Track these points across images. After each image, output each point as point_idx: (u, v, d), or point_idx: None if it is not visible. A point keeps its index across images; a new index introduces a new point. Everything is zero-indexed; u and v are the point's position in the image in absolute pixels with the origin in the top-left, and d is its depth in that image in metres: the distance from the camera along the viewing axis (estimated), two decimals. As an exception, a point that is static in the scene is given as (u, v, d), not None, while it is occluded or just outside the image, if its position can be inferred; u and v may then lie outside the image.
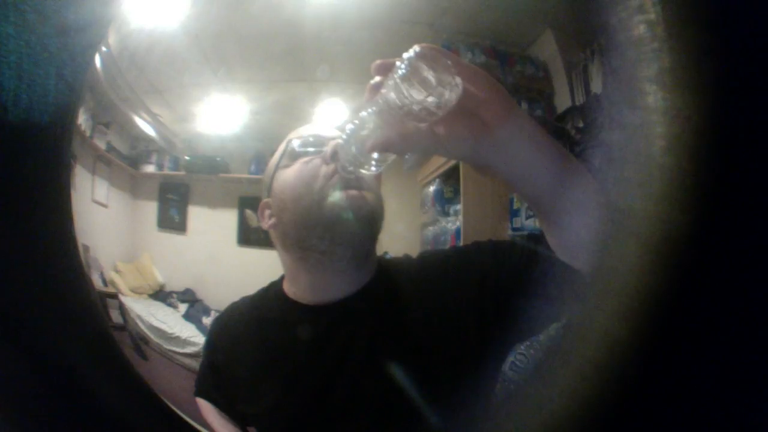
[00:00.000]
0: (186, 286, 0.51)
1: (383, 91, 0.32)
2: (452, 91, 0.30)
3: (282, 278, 0.46)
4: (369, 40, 0.45)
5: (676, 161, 0.23)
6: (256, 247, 0.49)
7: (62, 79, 0.33)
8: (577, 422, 0.25)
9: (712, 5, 0.23)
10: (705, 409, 0.25)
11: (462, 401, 0.39)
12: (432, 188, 0.52)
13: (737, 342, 0.24)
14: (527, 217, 0.47)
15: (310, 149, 0.44)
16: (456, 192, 0.50)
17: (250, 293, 0.47)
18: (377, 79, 0.34)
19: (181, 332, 0.51)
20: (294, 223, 0.43)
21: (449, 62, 0.30)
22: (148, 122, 0.50)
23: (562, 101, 0.47)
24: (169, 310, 0.51)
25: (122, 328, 0.49)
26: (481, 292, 0.43)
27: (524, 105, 0.48)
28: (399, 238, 0.47)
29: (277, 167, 0.45)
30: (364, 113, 0.35)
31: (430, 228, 0.51)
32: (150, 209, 0.51)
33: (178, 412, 0.43)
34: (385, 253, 0.46)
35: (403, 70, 0.30)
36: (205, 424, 0.45)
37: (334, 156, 0.41)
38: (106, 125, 0.48)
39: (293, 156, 0.44)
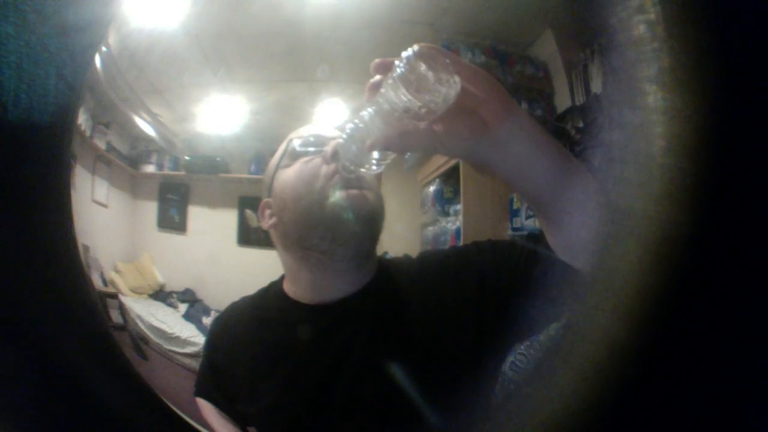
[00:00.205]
0: (186, 286, 0.51)
1: (382, 90, 0.32)
2: (451, 89, 0.30)
3: (282, 278, 0.46)
4: (369, 40, 0.45)
5: (676, 161, 0.23)
6: (256, 247, 0.49)
7: (62, 79, 0.33)
8: (577, 422, 0.25)
9: (712, 5, 0.23)
10: (705, 409, 0.25)
11: (462, 401, 0.39)
12: (432, 188, 0.52)
13: (737, 342, 0.24)
14: (527, 217, 0.47)
15: (311, 149, 0.44)
16: (456, 192, 0.50)
17: (250, 293, 0.47)
18: (377, 77, 0.34)
19: (181, 332, 0.51)
20: (295, 222, 0.43)
21: (448, 61, 0.30)
22: (148, 122, 0.50)
23: (562, 101, 0.47)
24: (169, 310, 0.51)
25: (122, 328, 0.49)
26: (480, 292, 0.43)
27: (524, 105, 0.48)
28: (399, 238, 0.47)
29: (278, 167, 0.45)
30: (364, 112, 0.35)
31: (430, 228, 0.51)
32: (150, 209, 0.51)
33: (178, 412, 0.43)
34: (385, 253, 0.46)
35: (402, 69, 0.31)
36: (205, 424, 0.45)
37: (335, 156, 0.41)
38: (106, 125, 0.48)
39: (294, 156, 0.44)
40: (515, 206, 0.48)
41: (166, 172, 0.51)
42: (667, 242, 0.23)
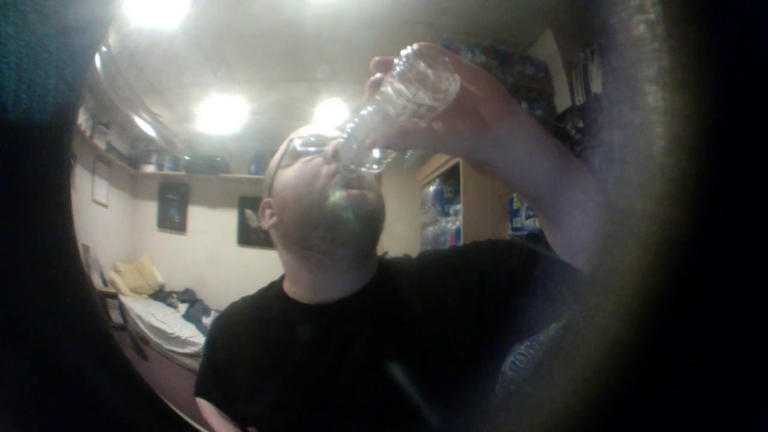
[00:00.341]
0: (186, 286, 0.51)
1: (382, 89, 0.32)
2: (450, 87, 0.30)
3: (282, 278, 0.46)
4: (369, 40, 0.45)
5: (676, 161, 0.23)
6: (256, 247, 0.49)
7: (62, 79, 0.33)
8: (577, 422, 0.25)
9: (712, 5, 0.23)
10: (705, 409, 0.25)
11: (462, 401, 0.39)
12: (432, 188, 0.52)
13: (737, 342, 0.24)
14: (527, 217, 0.47)
15: (312, 149, 0.44)
16: (456, 192, 0.50)
17: (250, 293, 0.47)
18: (377, 76, 0.34)
19: (181, 332, 0.51)
20: (295, 222, 0.43)
21: (447, 59, 0.30)
22: (148, 122, 0.50)
23: (562, 101, 0.47)
24: (169, 310, 0.51)
25: (122, 328, 0.49)
26: (480, 291, 0.43)
27: (524, 105, 0.48)
28: (399, 238, 0.47)
29: (279, 167, 0.45)
30: (364, 112, 0.35)
31: (430, 228, 0.51)
32: (150, 209, 0.51)
33: (178, 412, 0.43)
34: (385, 253, 0.46)
35: (402, 67, 0.31)
36: (205, 424, 0.45)
37: (336, 155, 0.41)
38: (106, 125, 0.48)
39: (294, 155, 0.44)
40: (515, 206, 0.48)
41: (166, 172, 0.51)
42: (667, 242, 0.23)
